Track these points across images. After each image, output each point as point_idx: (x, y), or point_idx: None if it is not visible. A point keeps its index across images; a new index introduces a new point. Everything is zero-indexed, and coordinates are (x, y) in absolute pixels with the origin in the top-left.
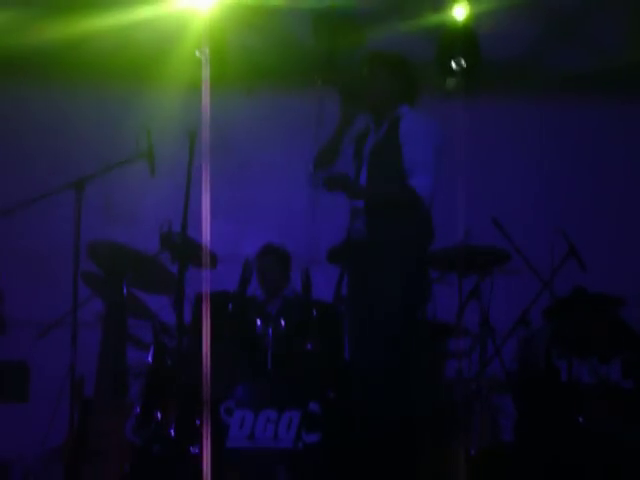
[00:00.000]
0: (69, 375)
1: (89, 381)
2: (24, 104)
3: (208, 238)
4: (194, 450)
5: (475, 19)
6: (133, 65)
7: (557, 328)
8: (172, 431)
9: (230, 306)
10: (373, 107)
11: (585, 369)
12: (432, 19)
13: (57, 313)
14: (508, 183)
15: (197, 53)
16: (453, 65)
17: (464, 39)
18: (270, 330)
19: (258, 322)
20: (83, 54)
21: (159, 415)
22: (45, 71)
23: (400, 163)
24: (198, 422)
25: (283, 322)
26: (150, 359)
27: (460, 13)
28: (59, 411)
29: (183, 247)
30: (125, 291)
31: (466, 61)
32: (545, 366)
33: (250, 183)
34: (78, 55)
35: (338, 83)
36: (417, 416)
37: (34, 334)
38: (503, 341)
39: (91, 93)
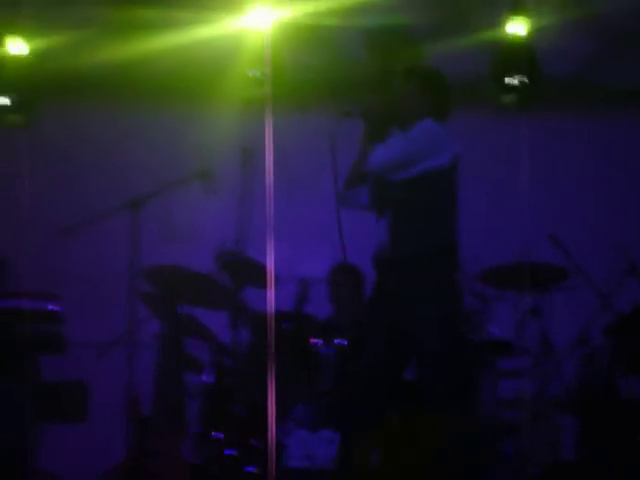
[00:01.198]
0: (127, 395)
1: (147, 401)
2: (83, 124)
3: (272, 258)
4: (251, 470)
5: (533, 35)
6: (191, 85)
7: (618, 346)
8: (230, 451)
9: (286, 325)
10: (402, 121)
11: None
12: (489, 35)
13: (115, 333)
14: (566, 200)
15: (251, 72)
16: (510, 81)
17: (522, 55)
18: (331, 349)
19: (317, 341)
20: (143, 74)
21: (217, 435)
22: (104, 91)
23: None
24: (255, 442)
25: (346, 341)
26: (208, 379)
27: (518, 29)
28: (117, 430)
29: (240, 266)
30: (182, 311)
31: (524, 77)
32: (606, 384)
33: (307, 202)
34: (137, 75)
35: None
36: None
37: (93, 354)
38: (563, 359)
39: (149, 113)
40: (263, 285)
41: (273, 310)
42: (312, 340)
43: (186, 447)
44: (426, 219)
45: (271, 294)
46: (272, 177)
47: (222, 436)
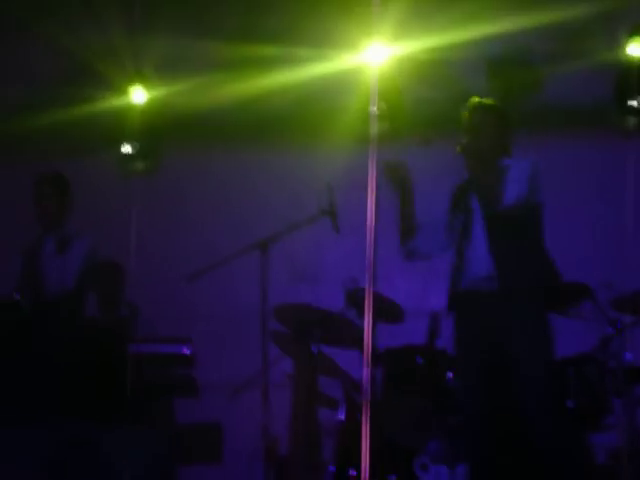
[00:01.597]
0: (262, 435)
1: (282, 441)
2: (206, 165)
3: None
4: None
5: None
6: (312, 121)
7: None
8: None
9: (419, 360)
10: (479, 158)
11: None
12: (609, 57)
13: (247, 374)
14: None
15: (372, 108)
16: (633, 103)
17: None
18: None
19: (449, 375)
20: (262, 112)
21: (353, 473)
22: (225, 130)
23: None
24: (392, 478)
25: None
26: (342, 416)
27: (637, 50)
28: (253, 472)
29: (371, 302)
30: (314, 349)
31: None
32: None
33: None
34: (257, 113)
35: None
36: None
37: (226, 396)
38: None
39: (271, 151)
40: (393, 320)
41: (370, 343)
42: (448, 374)
43: None
44: (529, 252)
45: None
46: (373, 207)
47: (359, 474)
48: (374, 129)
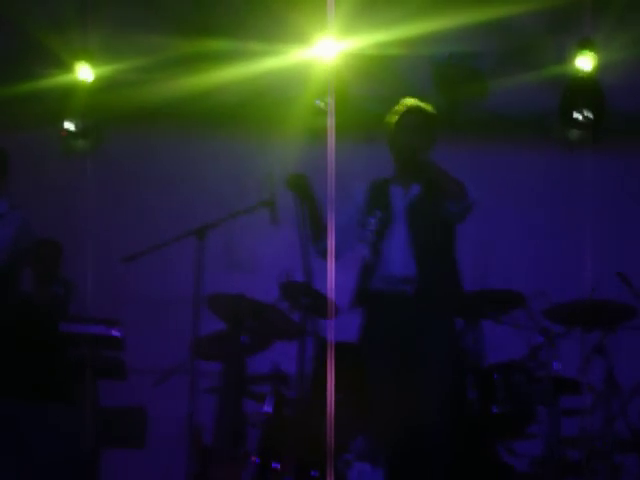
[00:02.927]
0: (187, 423)
1: (207, 430)
2: (152, 153)
3: (332, 287)
4: None
5: (600, 70)
6: (258, 115)
7: None
8: None
9: (349, 356)
10: (403, 161)
11: None
12: (556, 69)
13: (176, 361)
14: (635, 236)
15: (317, 102)
16: (577, 116)
17: (589, 90)
18: None
19: None
20: (211, 104)
21: (277, 465)
22: (172, 121)
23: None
24: (315, 473)
25: None
26: (268, 409)
27: (585, 64)
28: (176, 459)
29: (305, 296)
30: (244, 340)
31: (591, 112)
32: None
33: None
34: (206, 104)
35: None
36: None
37: (153, 381)
38: (628, 398)
39: (216, 142)
40: (326, 315)
41: (333, 340)
42: None
43: (246, 477)
44: (447, 258)
45: (331, 324)
46: (334, 206)
47: (282, 467)
48: (330, 122)
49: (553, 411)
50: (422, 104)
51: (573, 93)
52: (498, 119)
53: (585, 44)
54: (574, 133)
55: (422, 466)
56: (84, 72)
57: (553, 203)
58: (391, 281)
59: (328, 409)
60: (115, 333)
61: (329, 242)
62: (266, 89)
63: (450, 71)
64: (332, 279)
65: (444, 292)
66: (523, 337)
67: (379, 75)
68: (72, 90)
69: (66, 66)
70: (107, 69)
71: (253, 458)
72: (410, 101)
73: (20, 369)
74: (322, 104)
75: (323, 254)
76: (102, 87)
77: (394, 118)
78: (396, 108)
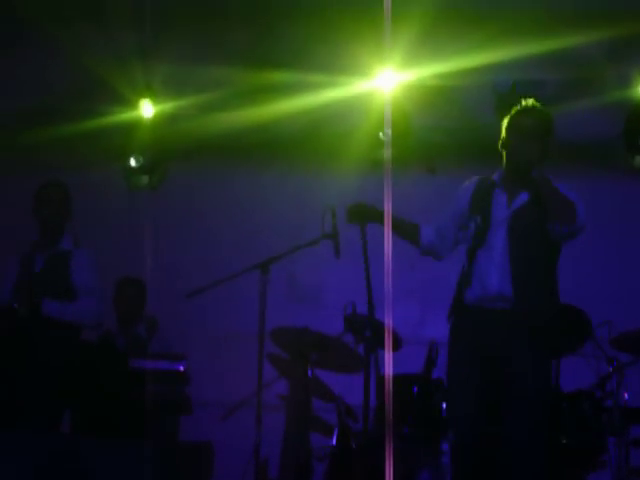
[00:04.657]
0: (254, 456)
1: (273, 463)
2: (212, 186)
3: (390, 320)
4: None
5: None
6: (318, 146)
7: None
8: None
9: (415, 389)
10: (513, 167)
11: None
12: (618, 94)
13: (242, 395)
14: None
15: (381, 135)
16: None
17: None
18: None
19: (444, 405)
20: (272, 136)
21: None
22: (233, 153)
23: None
24: None
25: None
26: (334, 442)
27: None
28: None
29: (370, 329)
30: (310, 373)
31: None
32: None
33: (432, 263)
34: (267, 137)
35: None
36: None
37: (219, 415)
38: None
39: (278, 174)
40: (392, 348)
41: (391, 373)
42: (443, 404)
43: None
44: (546, 277)
45: (389, 356)
46: (390, 237)
47: None
48: (387, 155)
49: (622, 441)
50: (541, 107)
51: (637, 119)
52: (561, 146)
53: None
54: (638, 159)
55: None
56: (147, 108)
57: (619, 230)
58: (485, 296)
59: (387, 443)
60: (180, 367)
61: (386, 271)
62: (327, 120)
63: (513, 100)
64: (390, 308)
65: (541, 313)
66: (591, 367)
67: (440, 106)
68: (135, 126)
69: (129, 103)
70: (169, 105)
71: None
72: (529, 102)
73: (96, 407)
74: (383, 136)
75: (425, 253)
76: (164, 122)
77: (509, 119)
78: (514, 109)
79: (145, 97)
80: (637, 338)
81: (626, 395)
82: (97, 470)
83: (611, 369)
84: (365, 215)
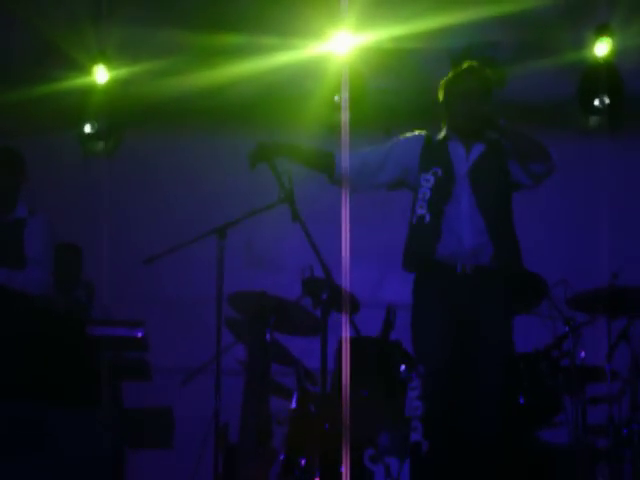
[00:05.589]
0: (213, 422)
1: (233, 428)
2: (166, 152)
3: (348, 282)
4: None
5: (618, 55)
6: (274, 110)
7: None
8: (317, 477)
9: (373, 351)
10: (464, 122)
11: None
12: (573, 56)
13: (201, 360)
14: None
15: (336, 98)
16: (595, 102)
17: (606, 76)
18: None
19: (402, 368)
20: (226, 99)
21: (303, 462)
22: (187, 117)
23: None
24: (342, 469)
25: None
26: (294, 405)
27: (602, 50)
28: (203, 458)
29: (326, 292)
30: (268, 337)
31: (609, 98)
32: None
33: (390, 226)
34: (221, 100)
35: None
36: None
37: (178, 381)
38: None
39: (232, 138)
40: (350, 310)
41: (348, 335)
42: (401, 367)
43: (273, 474)
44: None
45: (346, 319)
46: (347, 202)
47: (309, 463)
48: (343, 118)
49: (579, 400)
50: (478, 67)
51: (591, 79)
52: (516, 107)
53: (602, 31)
54: (592, 119)
55: (467, 452)
56: (101, 73)
57: (571, 191)
58: (461, 250)
59: (344, 405)
60: (139, 334)
61: (344, 234)
62: (281, 84)
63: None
64: (347, 268)
65: (517, 267)
66: (548, 327)
67: (396, 68)
68: (89, 92)
69: (83, 68)
70: (123, 70)
71: (280, 455)
72: (469, 63)
73: (47, 374)
74: (339, 99)
75: (341, 183)
76: (119, 88)
77: (448, 81)
78: (455, 70)
79: (99, 62)
80: (593, 297)
81: (582, 354)
82: (58, 437)
83: (567, 329)
84: (270, 152)
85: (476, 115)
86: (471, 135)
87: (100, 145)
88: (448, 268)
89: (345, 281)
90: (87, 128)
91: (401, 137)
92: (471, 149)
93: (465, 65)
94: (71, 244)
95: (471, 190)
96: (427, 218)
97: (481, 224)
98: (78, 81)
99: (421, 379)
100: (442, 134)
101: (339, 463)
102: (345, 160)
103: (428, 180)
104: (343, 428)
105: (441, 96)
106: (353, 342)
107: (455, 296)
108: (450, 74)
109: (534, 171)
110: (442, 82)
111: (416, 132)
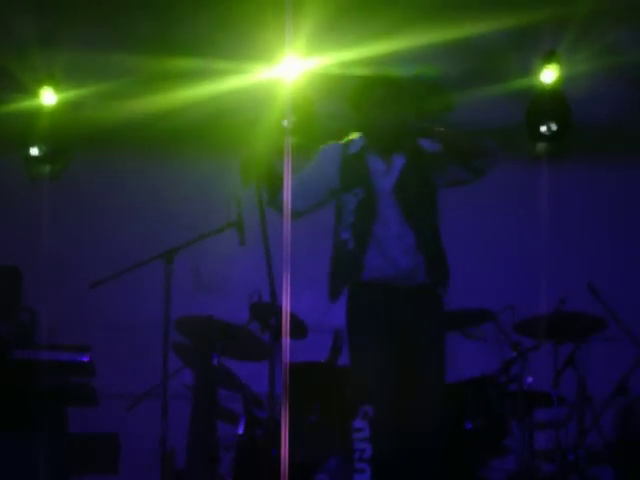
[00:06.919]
0: (160, 447)
1: (180, 453)
2: (115, 175)
3: (288, 305)
4: None
5: (565, 82)
6: (222, 134)
7: None
8: None
9: (321, 377)
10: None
11: None
12: (521, 83)
13: (148, 385)
14: (601, 248)
15: (284, 122)
16: (542, 129)
17: (553, 103)
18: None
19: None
20: (174, 124)
21: None
22: (136, 142)
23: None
24: None
25: None
26: (241, 431)
27: (549, 76)
28: None
29: (274, 316)
30: (216, 361)
31: (556, 125)
32: None
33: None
34: (170, 125)
35: None
36: None
37: (125, 406)
38: (601, 410)
39: (181, 163)
40: (297, 336)
41: (288, 360)
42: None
43: None
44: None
45: (286, 343)
46: (289, 225)
47: None
48: (288, 142)
49: (526, 425)
50: (390, 75)
51: (538, 106)
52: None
53: (549, 57)
54: (539, 146)
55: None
56: (48, 96)
57: (519, 217)
58: (394, 272)
59: (283, 430)
60: (85, 359)
61: (285, 257)
62: (231, 108)
63: (415, 88)
64: (288, 292)
65: (442, 288)
66: (495, 352)
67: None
68: (36, 115)
69: (30, 91)
70: (71, 93)
71: None
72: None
73: None
74: (287, 123)
75: (280, 208)
76: (66, 111)
77: (366, 87)
78: (367, 78)
79: (47, 85)
80: (539, 323)
81: (529, 379)
82: None
83: (515, 354)
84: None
85: (394, 125)
86: (390, 146)
87: (46, 168)
88: (381, 290)
89: (285, 305)
90: (33, 151)
91: (318, 155)
92: (392, 162)
93: (378, 74)
94: (8, 267)
95: (398, 207)
96: (350, 244)
97: (412, 242)
98: (25, 104)
99: (369, 421)
100: (358, 145)
101: None
102: (288, 185)
103: (349, 201)
104: (282, 455)
105: (353, 105)
106: (301, 367)
107: (389, 317)
108: (361, 82)
109: (477, 166)
110: (354, 90)
111: (331, 145)
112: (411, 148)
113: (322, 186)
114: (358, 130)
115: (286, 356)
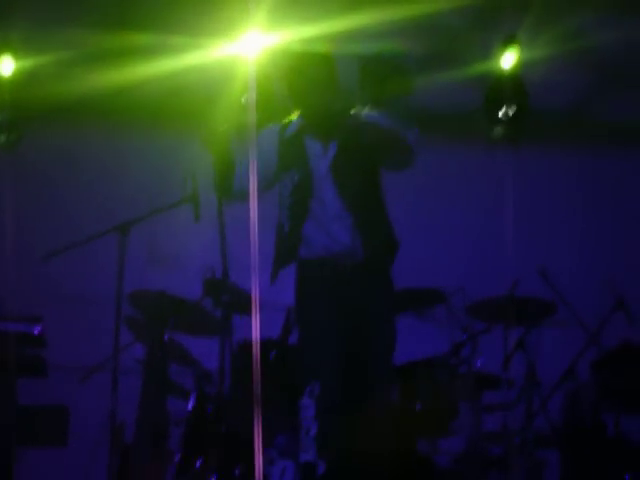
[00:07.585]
0: (109, 421)
1: (129, 427)
2: (73, 149)
3: (257, 285)
4: None
5: (524, 67)
6: (180, 111)
7: (604, 382)
8: (213, 479)
9: (272, 354)
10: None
11: (633, 424)
12: (480, 67)
13: (99, 358)
14: (555, 233)
15: (243, 99)
16: (500, 114)
17: (512, 87)
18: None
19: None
20: (133, 99)
21: (199, 463)
22: (92, 117)
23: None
24: (238, 471)
25: None
26: (191, 406)
27: (509, 61)
28: (98, 457)
29: (226, 293)
30: (167, 337)
31: (514, 109)
32: (592, 420)
33: None
34: (128, 100)
35: None
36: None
37: (75, 379)
38: (549, 394)
39: (137, 139)
40: (248, 312)
41: (258, 338)
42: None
43: (169, 475)
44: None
45: (256, 322)
46: (256, 203)
47: (205, 465)
48: (250, 119)
49: (475, 407)
50: (321, 54)
51: (497, 90)
52: (423, 116)
53: (509, 41)
54: (497, 130)
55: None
56: (5, 66)
57: (474, 200)
58: (335, 250)
59: (255, 407)
60: (36, 330)
61: (252, 235)
62: (190, 84)
63: (376, 68)
64: (256, 273)
65: (388, 264)
66: (445, 334)
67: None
68: None
69: None
70: (28, 63)
71: (175, 456)
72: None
73: None
74: (250, 100)
75: (227, 193)
76: (22, 82)
77: (288, 69)
78: (300, 57)
79: (4, 53)
80: (490, 306)
81: (479, 362)
82: None
83: (465, 336)
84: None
85: (327, 107)
86: (325, 128)
87: (2, 138)
88: (327, 268)
89: (255, 284)
90: None
91: (259, 136)
92: (329, 144)
93: (310, 52)
94: None
95: (335, 188)
96: (286, 226)
97: (351, 221)
98: None
99: (315, 399)
100: (296, 127)
101: (235, 465)
102: (253, 164)
103: (288, 183)
104: (255, 431)
105: (287, 84)
106: (252, 345)
107: (337, 295)
108: (293, 61)
109: (393, 163)
110: (285, 69)
111: (270, 125)
112: (347, 130)
113: (263, 168)
114: (296, 110)
115: (256, 334)
